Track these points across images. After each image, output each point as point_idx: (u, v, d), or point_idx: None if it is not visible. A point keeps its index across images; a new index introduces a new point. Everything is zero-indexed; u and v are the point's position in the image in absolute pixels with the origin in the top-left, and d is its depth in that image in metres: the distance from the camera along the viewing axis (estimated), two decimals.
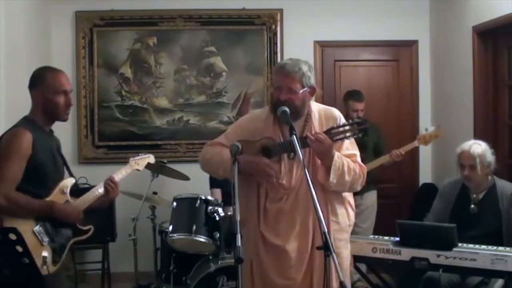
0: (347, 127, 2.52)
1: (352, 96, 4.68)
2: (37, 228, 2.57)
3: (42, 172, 2.63)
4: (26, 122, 2.66)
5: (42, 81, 2.65)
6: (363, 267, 3.81)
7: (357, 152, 2.73)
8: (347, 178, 2.59)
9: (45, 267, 2.55)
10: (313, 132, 2.59)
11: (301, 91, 2.61)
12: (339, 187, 2.62)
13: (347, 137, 2.53)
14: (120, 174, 2.94)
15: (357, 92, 4.73)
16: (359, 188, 2.71)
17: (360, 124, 2.52)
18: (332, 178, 2.54)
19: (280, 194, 2.65)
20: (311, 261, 2.61)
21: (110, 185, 2.82)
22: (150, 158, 3.24)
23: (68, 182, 2.75)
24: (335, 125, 2.57)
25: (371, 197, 4.68)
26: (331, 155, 2.54)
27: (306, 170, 2.33)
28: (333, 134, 2.52)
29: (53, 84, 2.64)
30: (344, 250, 2.70)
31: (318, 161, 2.62)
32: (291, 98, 2.60)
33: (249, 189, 2.69)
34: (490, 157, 3.46)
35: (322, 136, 2.50)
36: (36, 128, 2.63)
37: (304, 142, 2.53)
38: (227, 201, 3.99)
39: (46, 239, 2.58)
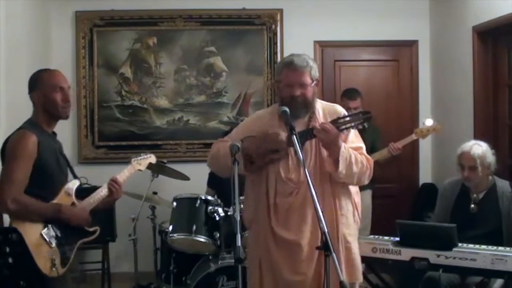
0: (352, 117, 2.55)
1: (345, 94, 4.70)
2: (45, 230, 2.57)
3: (48, 174, 2.63)
4: (30, 124, 2.66)
5: (39, 81, 2.69)
6: (363, 267, 3.80)
7: (363, 145, 2.75)
8: (355, 169, 2.60)
9: (54, 269, 2.54)
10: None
11: (312, 84, 2.66)
12: (348, 179, 2.64)
13: (352, 127, 2.55)
14: (123, 175, 2.95)
15: (351, 90, 4.72)
16: (366, 181, 2.73)
17: (364, 113, 2.55)
18: (341, 168, 2.55)
19: (290, 189, 2.65)
20: (321, 256, 2.60)
21: (114, 186, 2.83)
22: (152, 158, 3.25)
23: (73, 184, 2.75)
24: (340, 116, 2.60)
25: (366, 196, 4.64)
26: (338, 145, 2.54)
27: (306, 169, 2.33)
28: (339, 124, 2.54)
29: (48, 82, 2.68)
30: (354, 245, 2.70)
31: (325, 154, 2.63)
32: (303, 93, 2.63)
33: (259, 187, 2.70)
34: (490, 158, 3.45)
35: (329, 126, 2.52)
36: (40, 130, 2.64)
37: (311, 133, 2.56)
38: (224, 201, 3.98)
39: (54, 241, 2.58)
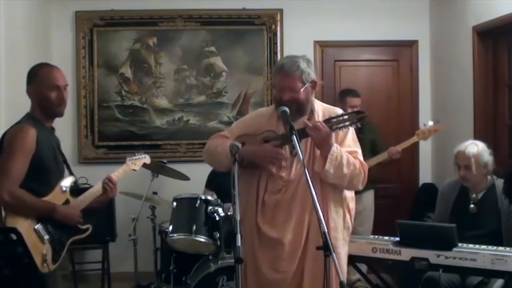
0: (345, 117, 2.55)
1: (350, 92, 4.66)
2: (38, 225, 2.58)
3: (45, 169, 2.63)
4: (29, 118, 2.66)
5: (36, 76, 2.68)
6: (363, 267, 3.81)
7: (359, 150, 2.74)
8: (345, 170, 2.58)
9: (45, 265, 2.56)
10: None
11: (302, 88, 2.64)
12: (337, 180, 2.62)
13: (346, 126, 2.55)
14: (118, 173, 2.96)
15: (354, 89, 4.74)
16: (360, 186, 2.70)
17: (358, 113, 2.54)
18: (329, 167, 2.54)
19: (279, 186, 2.66)
20: (304, 255, 2.62)
21: (109, 184, 2.84)
22: (146, 159, 3.27)
23: (68, 181, 2.76)
24: (333, 116, 2.59)
25: (369, 196, 4.64)
26: (329, 144, 2.54)
27: (306, 171, 2.33)
28: (332, 123, 2.54)
29: (46, 79, 2.66)
30: (342, 250, 2.70)
31: (318, 154, 2.62)
32: (294, 97, 2.63)
33: (250, 183, 2.70)
34: (487, 157, 3.45)
35: (320, 124, 2.52)
36: (38, 124, 2.64)
37: (303, 132, 2.56)
38: (224, 200, 3.98)
39: (46, 237, 2.59)
